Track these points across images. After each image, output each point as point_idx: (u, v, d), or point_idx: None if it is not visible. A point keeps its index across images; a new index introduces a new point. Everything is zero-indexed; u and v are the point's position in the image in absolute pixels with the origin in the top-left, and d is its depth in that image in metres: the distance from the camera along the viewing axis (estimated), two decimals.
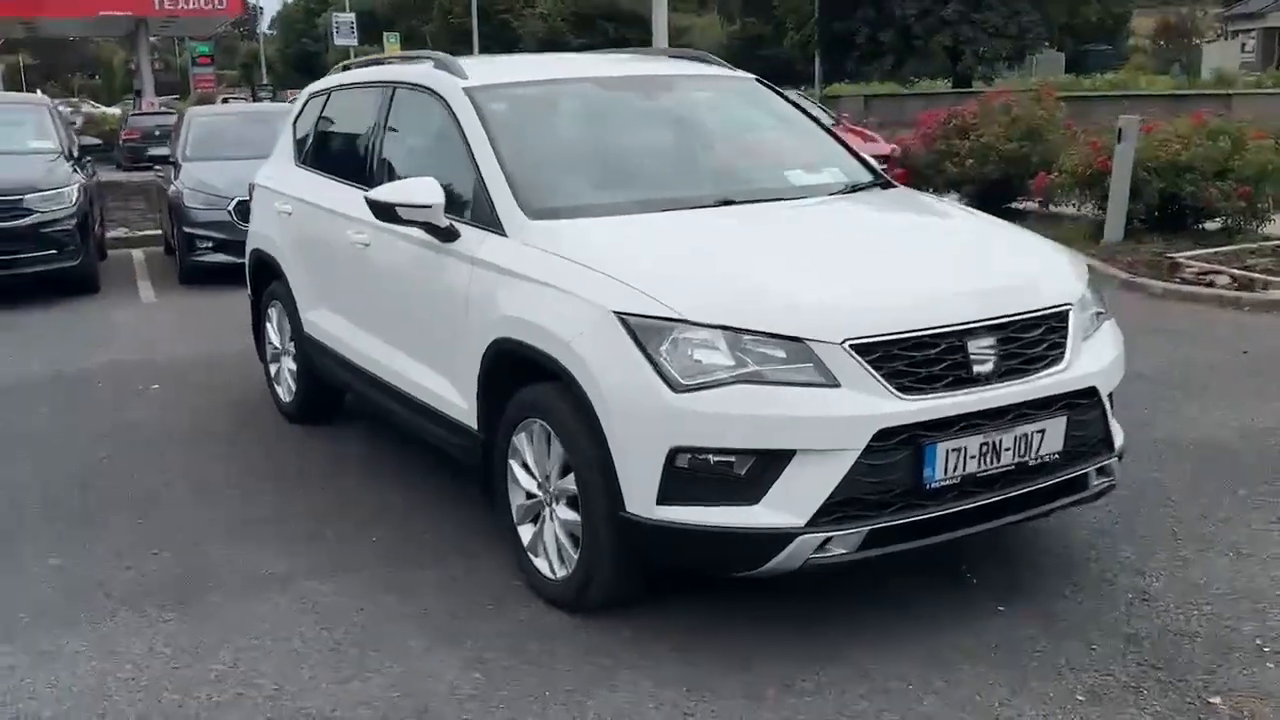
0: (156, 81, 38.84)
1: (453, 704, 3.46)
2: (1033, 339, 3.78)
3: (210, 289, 10.62)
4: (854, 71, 44.30)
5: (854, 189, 4.89)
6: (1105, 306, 4.30)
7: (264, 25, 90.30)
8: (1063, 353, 3.84)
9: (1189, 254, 9.64)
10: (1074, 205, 11.92)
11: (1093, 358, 3.94)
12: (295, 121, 6.39)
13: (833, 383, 3.50)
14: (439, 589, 4.22)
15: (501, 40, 51.30)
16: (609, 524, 3.69)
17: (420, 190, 4.42)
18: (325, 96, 6.14)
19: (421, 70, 5.15)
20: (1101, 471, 4.03)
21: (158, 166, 13.29)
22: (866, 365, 3.50)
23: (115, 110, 46.10)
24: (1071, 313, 3.91)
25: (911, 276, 3.89)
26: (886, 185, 5.03)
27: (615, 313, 3.63)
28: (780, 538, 3.49)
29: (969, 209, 4.83)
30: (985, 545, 4.36)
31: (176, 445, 6.05)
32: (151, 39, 44.56)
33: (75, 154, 11.59)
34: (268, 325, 6.52)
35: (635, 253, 3.97)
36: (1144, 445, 5.46)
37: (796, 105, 5.41)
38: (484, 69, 5.04)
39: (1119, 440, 4.11)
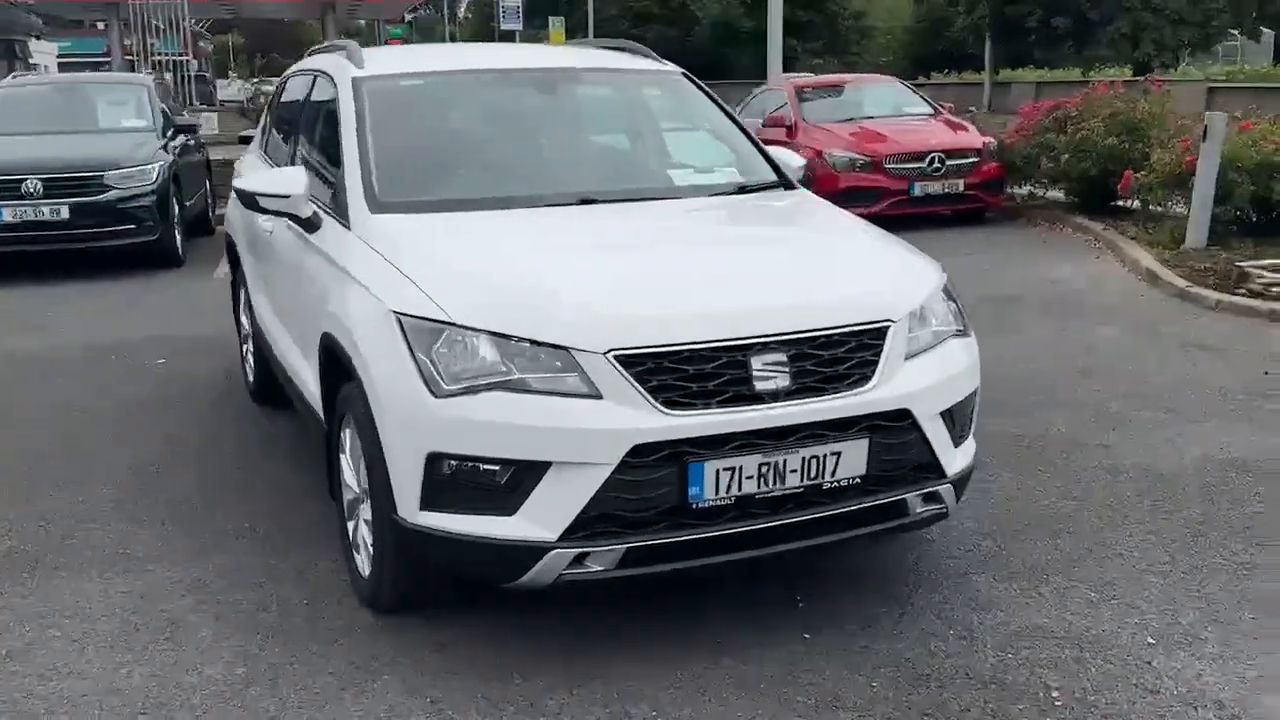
0: None
1: (197, 697, 3.48)
2: (833, 357, 3.59)
3: None
4: (1032, 57, 42.72)
5: (742, 190, 4.73)
6: (964, 322, 4.06)
7: (462, 9, 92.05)
8: (871, 372, 3.63)
9: (1259, 264, 8.99)
10: (1166, 206, 11.26)
11: (912, 378, 3.71)
12: (267, 107, 6.55)
13: (594, 394, 3.39)
14: (278, 580, 4.26)
15: (682, 21, 51.28)
16: (387, 526, 3.68)
17: (281, 180, 4.48)
18: (284, 83, 6.26)
19: (332, 59, 5.21)
20: (930, 498, 3.81)
21: None
22: (629, 378, 3.38)
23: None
24: (892, 331, 3.69)
25: (707, 288, 3.73)
26: (789, 188, 4.84)
27: (393, 312, 3.60)
28: (534, 551, 3.41)
29: (852, 220, 4.58)
30: (838, 569, 4.19)
31: (136, 420, 6.27)
32: (358, 21, 46.13)
33: (169, 132, 12.06)
34: (240, 308, 6.71)
35: (441, 251, 3.93)
36: (1080, 470, 5.16)
37: (718, 104, 5.24)
38: (388, 59, 5.08)
39: (958, 464, 3.88)
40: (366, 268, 3.94)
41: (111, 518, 4.90)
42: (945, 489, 3.84)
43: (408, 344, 3.53)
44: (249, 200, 4.52)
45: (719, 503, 3.46)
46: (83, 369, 7.45)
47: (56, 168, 10.69)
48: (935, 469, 3.80)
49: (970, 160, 12.90)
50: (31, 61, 37.21)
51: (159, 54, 27.24)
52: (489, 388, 3.43)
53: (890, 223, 12.05)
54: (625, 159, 4.97)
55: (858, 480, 3.62)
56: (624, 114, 5.20)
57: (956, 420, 3.90)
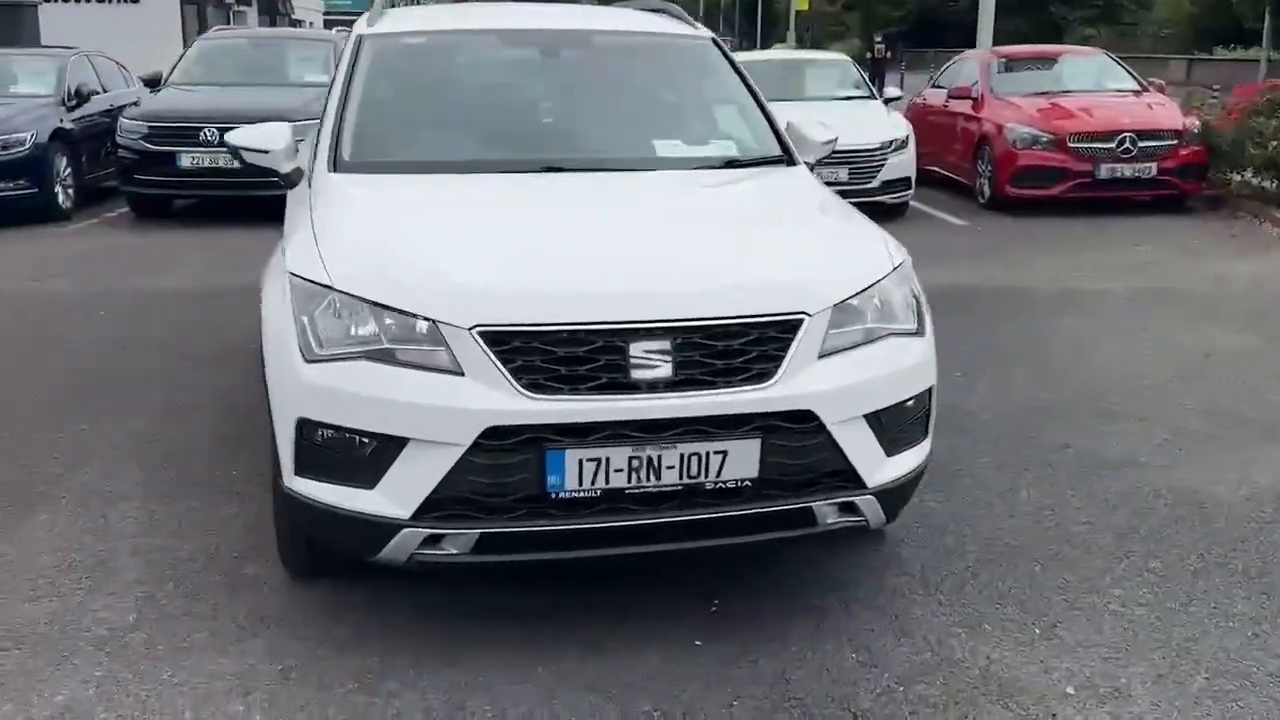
0: None
1: (80, 640, 3.54)
2: (727, 349, 3.32)
3: None
4: None
5: (730, 165, 4.46)
6: (918, 321, 3.70)
7: None
8: (774, 368, 3.34)
9: None
10: None
11: (825, 378, 3.39)
12: None
13: (457, 370, 3.25)
14: (225, 532, 4.30)
15: None
16: (274, 490, 3.66)
17: (263, 135, 4.49)
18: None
19: (361, 19, 5.19)
20: (846, 509, 3.51)
21: None
22: (493, 356, 3.22)
23: None
24: (805, 325, 3.38)
25: (603, 267, 3.51)
26: (790, 164, 4.53)
27: (289, 272, 3.56)
28: (387, 527, 3.30)
29: (819, 201, 4.23)
30: (777, 575, 3.94)
31: (177, 365, 6.49)
32: None
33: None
34: None
35: (358, 216, 3.87)
36: (1116, 492, 4.70)
37: (739, 73, 4.94)
38: (407, 19, 5.02)
39: (886, 474, 3.54)
40: (295, 227, 3.90)
41: (134, 452, 5.09)
42: (865, 500, 3.51)
43: (293, 306, 3.47)
44: (234, 154, 4.55)
45: (583, 494, 3.26)
46: (185, 307, 7.79)
47: (233, 118, 11.11)
48: (851, 478, 3.48)
49: (1167, 143, 11.91)
50: (294, 16, 39.30)
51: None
52: (357, 357, 3.33)
53: (1073, 208, 11.71)
54: (612, 126, 4.74)
55: (748, 483, 3.35)
56: (629, 79, 4.98)
57: (888, 426, 3.56)
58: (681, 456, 3.28)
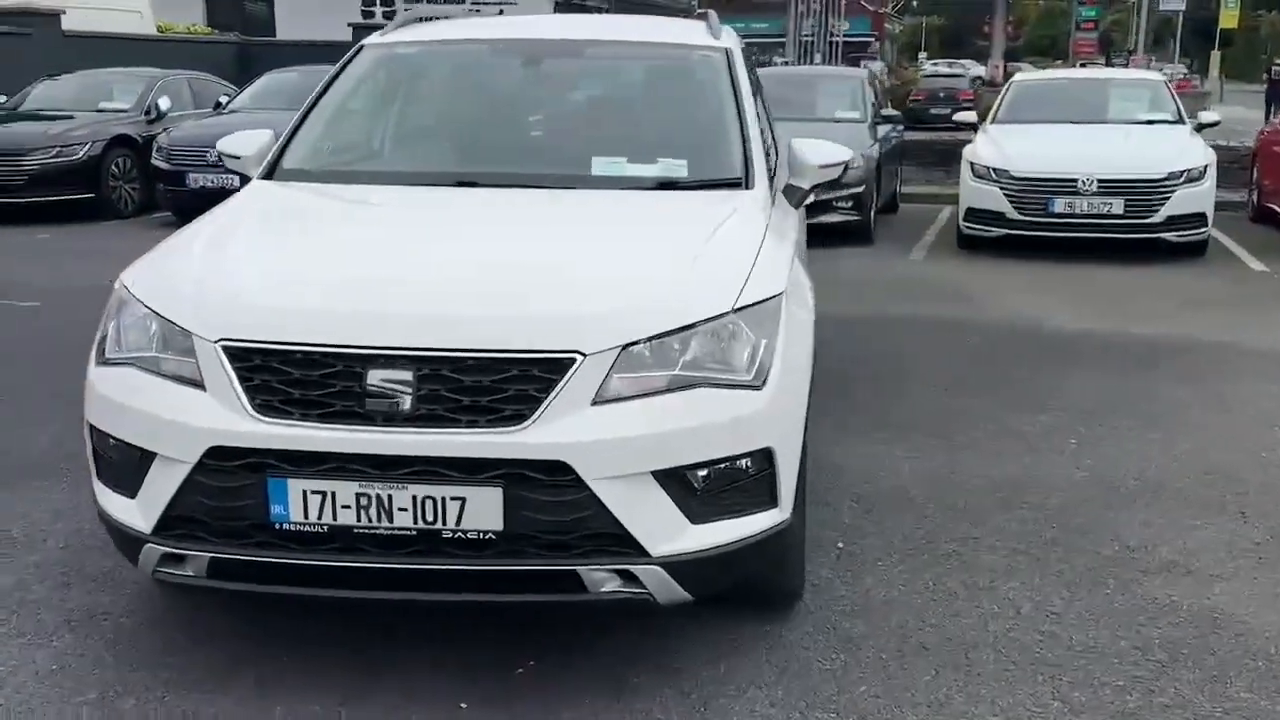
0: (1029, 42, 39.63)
1: None
2: (477, 385, 2.99)
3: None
4: None
5: (663, 186, 4.06)
6: (757, 374, 3.18)
7: None
8: (530, 411, 2.98)
9: None
10: None
11: (592, 427, 2.98)
12: None
13: (200, 385, 3.12)
14: None
15: None
16: None
17: (238, 141, 4.53)
18: None
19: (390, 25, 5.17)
20: (626, 578, 3.08)
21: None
22: (231, 372, 3.06)
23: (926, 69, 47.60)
24: (578, 365, 2.99)
25: (378, 286, 3.26)
26: (737, 187, 4.05)
27: (120, 280, 3.56)
28: (136, 540, 3.22)
29: (701, 228, 3.71)
30: (607, 641, 3.55)
31: None
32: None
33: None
34: None
35: (219, 224, 3.85)
36: (1096, 601, 3.89)
37: (735, 90, 4.46)
38: (425, 29, 4.95)
39: (682, 543, 3.08)
40: None
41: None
42: (646, 570, 3.07)
43: (109, 310, 3.47)
44: (219, 159, 4.64)
45: (311, 529, 3.03)
46: None
47: None
48: (628, 543, 3.04)
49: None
50: None
51: (841, 35, 27.94)
52: (127, 363, 3.28)
53: None
54: (553, 141, 4.44)
55: (491, 536, 3.00)
56: (605, 92, 4.67)
57: (696, 489, 3.09)
58: (414, 499, 2.98)
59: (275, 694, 3.24)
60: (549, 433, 2.96)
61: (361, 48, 4.79)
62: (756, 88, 5.04)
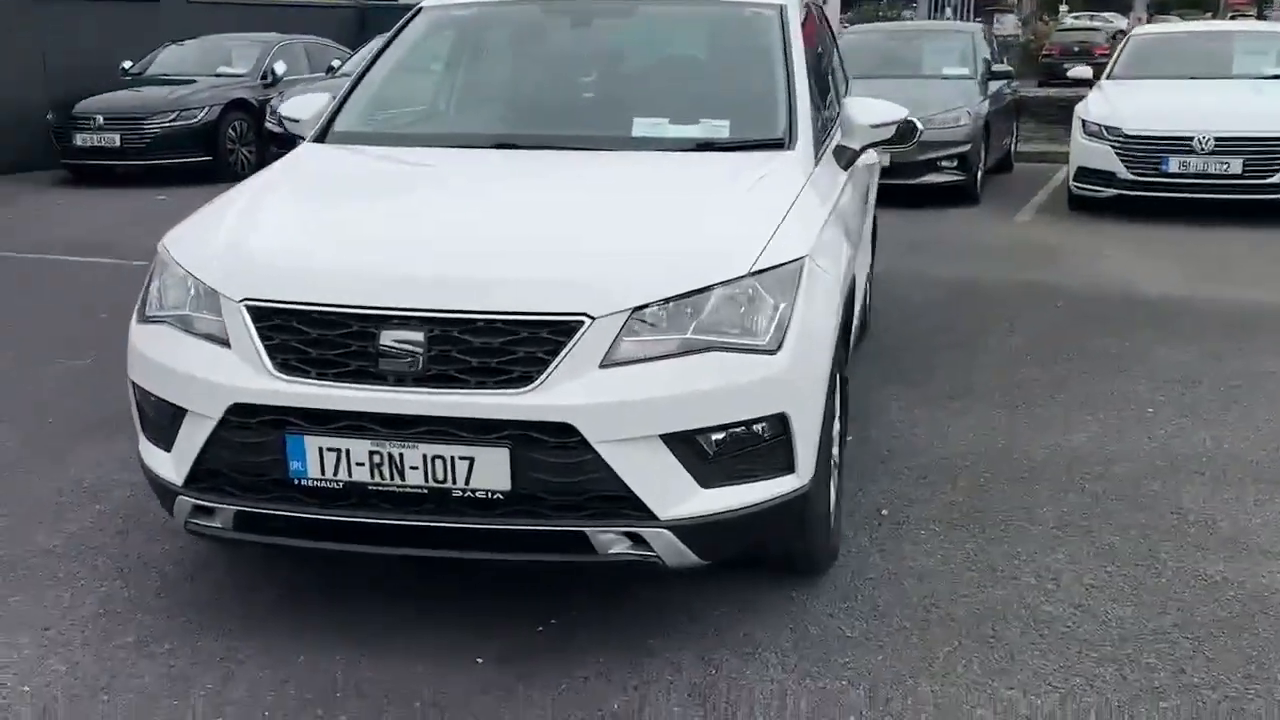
0: None
1: None
2: (486, 346, 3.02)
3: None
4: None
5: (703, 147, 4.02)
6: (773, 337, 3.15)
7: None
8: (537, 373, 3.01)
9: None
10: None
11: (600, 389, 2.99)
12: None
13: (226, 343, 3.22)
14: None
15: None
16: None
17: (298, 105, 4.63)
18: None
19: None
20: (635, 540, 3.10)
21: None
22: (254, 331, 3.15)
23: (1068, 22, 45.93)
24: (587, 327, 3.00)
25: (394, 250, 3.31)
26: (779, 148, 4.00)
27: (162, 241, 3.67)
28: (171, 492, 3.34)
29: (766, 193, 3.66)
30: (632, 603, 3.57)
31: None
32: None
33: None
34: None
35: (261, 187, 3.93)
36: (1134, 579, 3.79)
37: (786, 46, 4.38)
38: None
39: (691, 507, 3.08)
40: None
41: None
42: (654, 533, 3.08)
43: (151, 270, 3.59)
44: (279, 123, 4.74)
45: (327, 484, 3.11)
46: None
47: None
48: (636, 505, 3.06)
49: None
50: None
51: None
52: (163, 321, 3.40)
53: None
54: (595, 102, 4.43)
55: (499, 496, 3.04)
56: (652, 52, 4.63)
57: (708, 453, 3.09)
58: (425, 457, 3.04)
59: (302, 642, 3.34)
60: (555, 395, 2.98)
61: (419, 9, 4.84)
62: (828, 45, 4.97)
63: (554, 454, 3.00)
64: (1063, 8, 60.14)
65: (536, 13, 4.83)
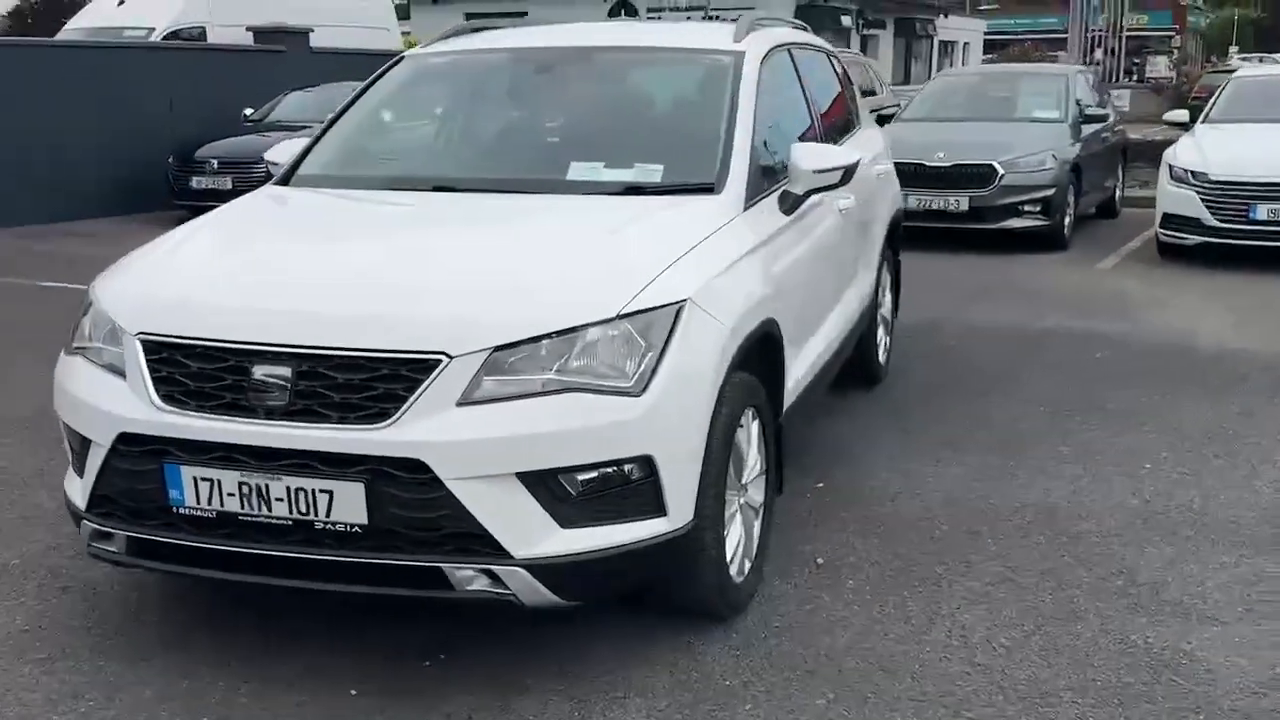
0: None
1: None
2: (348, 382, 3.11)
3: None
4: None
5: (628, 191, 4.05)
6: (639, 380, 3.16)
7: None
8: (396, 409, 3.08)
9: None
10: None
11: (454, 428, 3.05)
12: None
13: (121, 374, 3.38)
14: None
15: None
16: None
17: (282, 150, 4.83)
18: None
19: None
20: (493, 578, 3.13)
21: None
22: (144, 363, 3.31)
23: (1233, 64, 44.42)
24: (445, 367, 3.07)
25: (277, 289, 3.43)
26: (704, 192, 3.99)
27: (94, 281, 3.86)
28: (77, 517, 3.51)
29: (659, 235, 3.67)
30: (528, 642, 3.60)
31: None
32: None
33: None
34: None
35: (199, 228, 4.09)
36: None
37: (733, 95, 4.36)
38: (468, 40, 5.11)
39: (549, 546, 3.11)
40: None
41: None
42: (508, 571, 3.11)
43: (82, 306, 3.79)
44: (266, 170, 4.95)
45: (202, 513, 3.23)
46: None
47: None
48: (489, 543, 3.09)
49: None
50: (939, 39, 39.19)
51: (1135, 28, 26.23)
52: (79, 353, 3.58)
53: None
54: (538, 148, 4.50)
55: (358, 529, 3.12)
56: (602, 98, 4.69)
57: (571, 492, 3.12)
58: (289, 489, 3.13)
59: (194, 668, 3.45)
60: (409, 431, 3.05)
61: (402, 57, 5.00)
62: (819, 90, 5.01)
63: (408, 490, 3.06)
64: (1233, 49, 58.15)
65: (507, 61, 4.94)
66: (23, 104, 13.57)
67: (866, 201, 5.63)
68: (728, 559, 3.60)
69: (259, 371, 3.16)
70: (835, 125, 5.58)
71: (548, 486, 3.10)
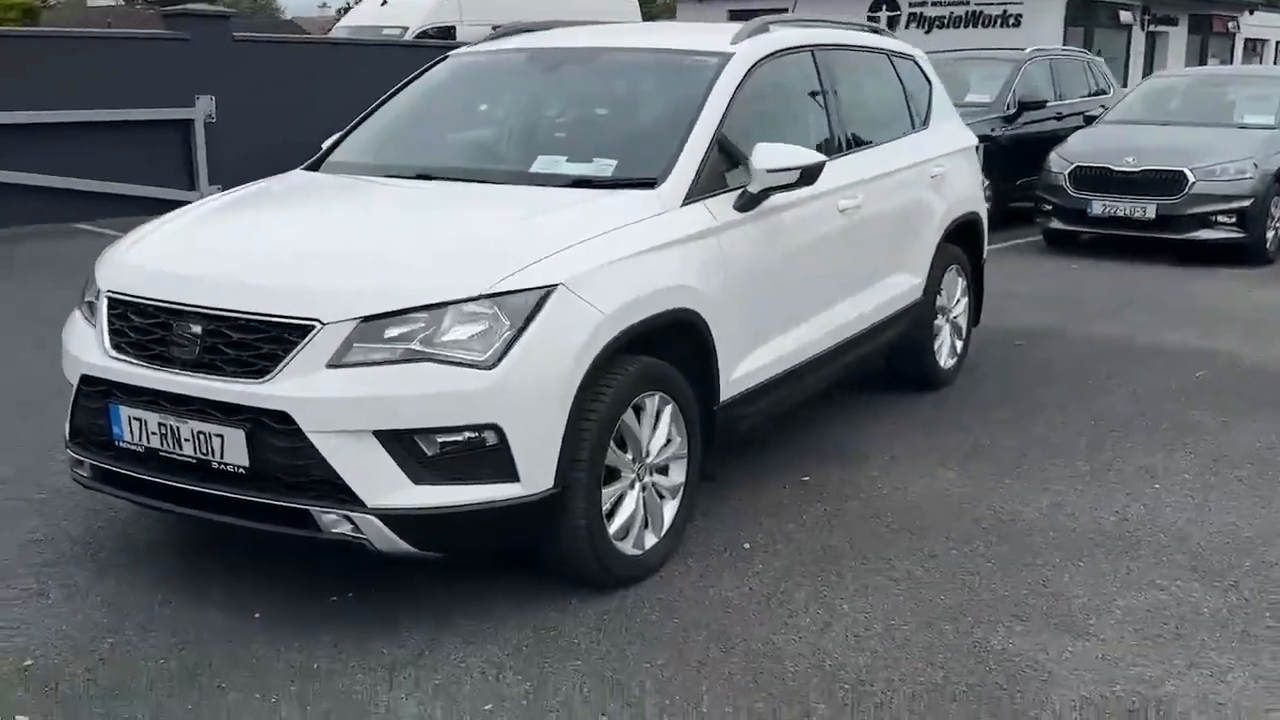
0: None
1: None
2: (241, 341, 3.57)
3: None
4: None
5: (577, 184, 4.33)
6: (491, 353, 3.48)
7: None
8: (273, 366, 3.52)
9: None
10: None
11: (316, 385, 3.45)
12: None
13: (93, 325, 3.97)
14: None
15: None
16: None
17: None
18: None
19: None
20: (352, 524, 3.53)
21: None
22: (105, 316, 3.88)
23: None
24: (317, 332, 3.48)
25: (220, 256, 3.96)
26: (645, 187, 4.21)
27: None
28: (65, 445, 4.13)
29: (563, 225, 3.88)
30: (431, 589, 3.96)
31: None
32: None
33: None
34: None
35: (209, 204, 4.63)
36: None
37: (707, 96, 4.53)
38: (512, 39, 5.52)
39: (403, 499, 3.48)
40: None
41: None
42: (364, 519, 3.49)
43: None
44: None
45: (135, 448, 3.77)
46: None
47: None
48: (345, 491, 3.49)
49: None
50: (1245, 36, 36.43)
51: None
52: (78, 308, 4.19)
53: None
54: (519, 141, 4.84)
55: (242, 470, 3.58)
56: (587, 96, 5.02)
57: (428, 453, 3.48)
58: (194, 432, 3.62)
59: (133, 584, 4.00)
60: (281, 387, 3.48)
61: (446, 56, 5.43)
62: (810, 94, 5.13)
63: (280, 439, 3.49)
64: None
65: (516, 61, 5.29)
66: (319, 92, 13.46)
67: (903, 203, 5.67)
68: (610, 530, 3.83)
69: (177, 328, 3.66)
70: (871, 127, 5.63)
71: (403, 445, 3.45)
